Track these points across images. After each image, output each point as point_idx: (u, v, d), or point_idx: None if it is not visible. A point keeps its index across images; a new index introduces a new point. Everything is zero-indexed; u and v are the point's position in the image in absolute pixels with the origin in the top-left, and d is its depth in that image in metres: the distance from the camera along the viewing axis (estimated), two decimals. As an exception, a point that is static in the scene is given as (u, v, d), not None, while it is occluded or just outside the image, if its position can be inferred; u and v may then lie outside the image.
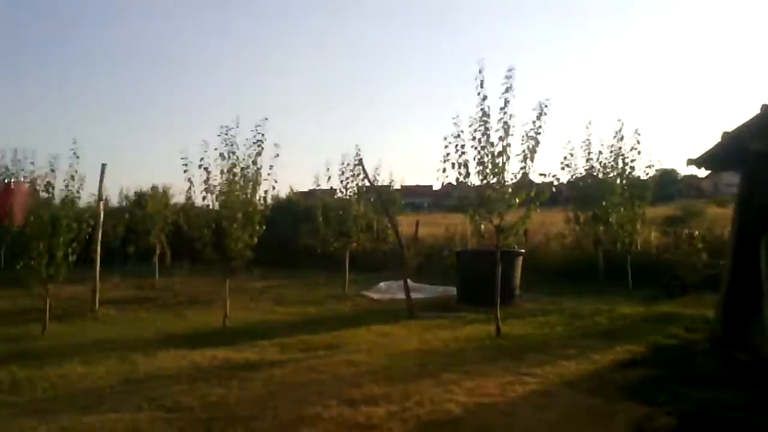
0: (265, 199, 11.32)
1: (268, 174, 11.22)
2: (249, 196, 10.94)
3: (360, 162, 15.15)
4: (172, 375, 7.47)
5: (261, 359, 8.31)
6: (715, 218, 22.54)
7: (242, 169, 10.85)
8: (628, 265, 15.66)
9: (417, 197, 67.01)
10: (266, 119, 11.00)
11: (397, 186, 20.25)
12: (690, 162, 8.18)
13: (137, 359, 8.27)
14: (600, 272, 16.49)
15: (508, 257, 12.54)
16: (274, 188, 11.55)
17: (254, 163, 10.98)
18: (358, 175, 15.75)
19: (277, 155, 11.21)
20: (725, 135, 7.04)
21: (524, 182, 9.81)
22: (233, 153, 10.84)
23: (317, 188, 17.67)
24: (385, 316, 11.87)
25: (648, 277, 15.14)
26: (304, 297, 14.80)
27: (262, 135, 10.96)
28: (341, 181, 16.17)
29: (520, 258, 13.88)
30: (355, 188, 16.15)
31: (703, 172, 9.10)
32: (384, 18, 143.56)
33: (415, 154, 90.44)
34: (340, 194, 16.57)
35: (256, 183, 11.02)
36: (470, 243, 18.96)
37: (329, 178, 16.21)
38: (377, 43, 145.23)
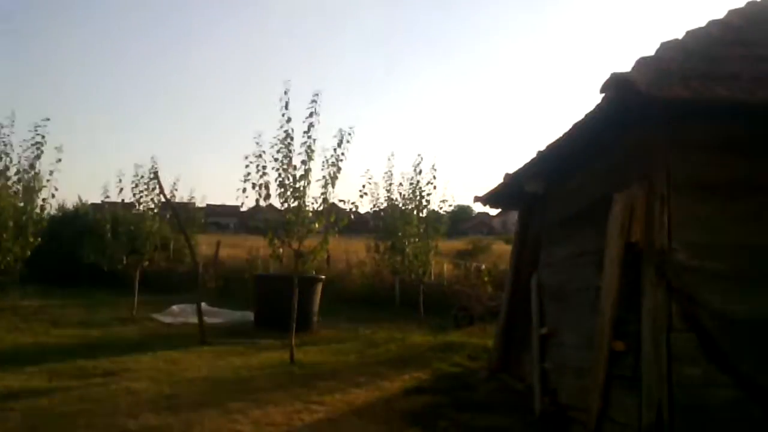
0: (43, 207, 10.25)
1: (48, 180, 10.21)
2: (24, 204, 9.85)
3: (156, 175, 14.34)
4: None
5: (24, 387, 7.52)
6: (501, 254, 24.49)
7: (17, 172, 9.78)
8: (420, 294, 16.39)
9: (223, 217, 65.13)
10: (48, 119, 10.05)
11: (199, 204, 19.52)
12: (476, 199, 8.78)
13: None
14: (396, 301, 17.07)
15: (308, 283, 12.56)
16: (53, 196, 10.55)
17: (32, 167, 9.93)
18: (154, 189, 14.92)
19: (59, 160, 10.27)
20: (507, 176, 7.55)
21: (325, 208, 9.89)
22: (6, 154, 9.75)
23: (107, 200, 16.41)
24: (176, 341, 11.40)
25: (439, 307, 16.04)
26: (85, 318, 13.82)
27: (43, 137, 9.97)
28: (134, 195, 15.21)
29: (320, 284, 13.97)
30: (150, 203, 15.25)
31: (493, 211, 9.77)
32: (198, 28, 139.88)
33: (226, 173, 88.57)
34: (136, 208, 15.55)
35: (34, 190, 9.96)
36: (272, 267, 18.72)
37: (121, 189, 15.14)
38: (191, 54, 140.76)
